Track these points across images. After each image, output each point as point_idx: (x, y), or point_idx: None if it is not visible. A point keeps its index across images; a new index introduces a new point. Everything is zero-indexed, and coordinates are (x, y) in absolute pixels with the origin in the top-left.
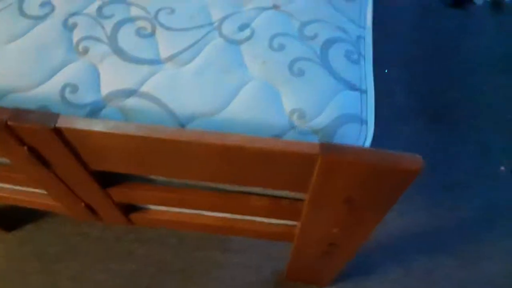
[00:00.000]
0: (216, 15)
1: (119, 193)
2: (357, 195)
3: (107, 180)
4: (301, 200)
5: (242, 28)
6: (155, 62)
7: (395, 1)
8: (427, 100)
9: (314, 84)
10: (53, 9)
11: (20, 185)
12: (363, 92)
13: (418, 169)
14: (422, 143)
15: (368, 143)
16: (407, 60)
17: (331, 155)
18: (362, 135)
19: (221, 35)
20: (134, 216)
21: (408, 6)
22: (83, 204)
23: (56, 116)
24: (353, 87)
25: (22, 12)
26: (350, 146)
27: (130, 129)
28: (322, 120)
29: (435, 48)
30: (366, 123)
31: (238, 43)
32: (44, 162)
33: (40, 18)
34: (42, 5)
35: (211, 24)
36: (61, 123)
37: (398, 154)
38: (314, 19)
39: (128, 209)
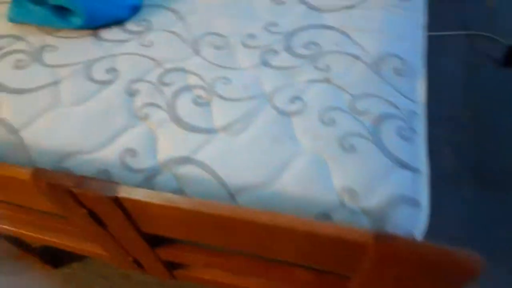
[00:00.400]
0: (268, 87)
1: (166, 253)
2: (410, 282)
3: (156, 240)
4: (347, 277)
5: (293, 100)
6: (210, 131)
7: (444, 60)
8: (478, 164)
9: (365, 161)
10: (117, 75)
11: (73, 236)
12: (416, 171)
13: (477, 270)
14: (475, 213)
15: (422, 227)
16: (456, 121)
17: (384, 246)
18: (416, 219)
19: (273, 106)
20: (178, 272)
21: (457, 65)
22: (131, 258)
23: (116, 185)
24: (405, 166)
25: (89, 77)
26: (405, 238)
27: (184, 203)
28: (373, 200)
29: (486, 109)
30: (419, 205)
31: (289, 115)
32: (100, 223)
33: (105, 83)
34: (108, 71)
35: (263, 95)
36: (121, 193)
37: (456, 251)
38: (366, 93)
39: (173, 265)
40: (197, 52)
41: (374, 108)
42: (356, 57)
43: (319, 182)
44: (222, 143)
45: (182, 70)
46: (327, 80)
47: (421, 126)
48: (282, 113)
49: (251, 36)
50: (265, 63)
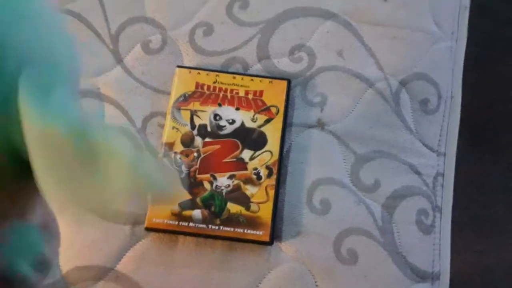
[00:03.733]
0: None
1: None
2: None
3: None
4: None
5: None
6: None
7: None
8: None
9: (370, 280)
10: None
11: None
12: (435, 279)
13: None
14: None
15: None
16: None
17: None
18: None
19: None
20: None
21: None
22: None
23: None
24: (423, 277)
25: None
26: None
27: None
28: None
29: None
30: None
31: None
32: None
33: None
34: None
35: None
36: None
37: None
38: (374, 150)
39: None
40: None
41: (387, 177)
42: (360, 77)
43: None
44: None
45: None
46: (319, 124)
47: (449, 197)
48: None
49: None
50: None
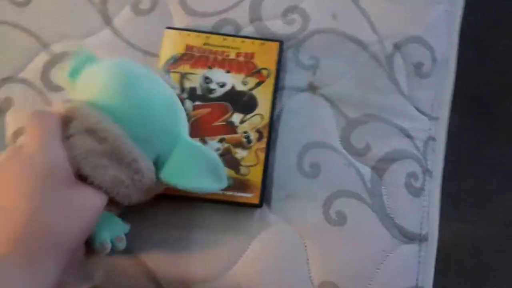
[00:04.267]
0: None
1: None
2: None
3: None
4: None
5: None
6: None
7: None
8: None
9: (358, 241)
10: None
11: None
12: (423, 240)
13: None
14: None
15: None
16: None
17: None
18: None
19: None
20: None
21: None
22: None
23: None
24: (410, 238)
25: None
26: None
27: None
28: None
29: None
30: None
31: None
32: None
33: None
34: None
35: None
36: None
37: None
38: (366, 114)
39: None
40: None
41: (378, 141)
42: (354, 40)
43: (290, 270)
44: None
45: None
46: (311, 87)
47: (439, 162)
48: None
49: None
50: None
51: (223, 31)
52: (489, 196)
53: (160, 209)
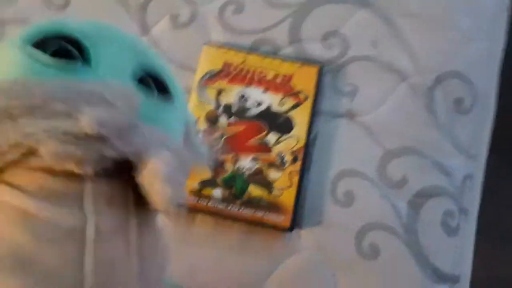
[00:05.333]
0: None
1: None
2: None
3: None
4: None
5: None
6: None
7: None
8: None
9: (389, 278)
10: None
11: None
12: (455, 282)
13: None
14: None
15: None
16: None
17: None
18: None
19: None
20: None
21: None
22: None
23: None
24: (443, 278)
25: None
26: None
27: None
28: None
29: None
30: None
31: None
32: None
33: None
34: None
35: None
36: None
37: None
38: (405, 146)
39: None
40: None
41: (415, 175)
42: (394, 70)
43: None
44: None
45: None
46: (348, 114)
47: (476, 201)
48: None
49: None
50: None
51: (261, 50)
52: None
53: (191, 227)
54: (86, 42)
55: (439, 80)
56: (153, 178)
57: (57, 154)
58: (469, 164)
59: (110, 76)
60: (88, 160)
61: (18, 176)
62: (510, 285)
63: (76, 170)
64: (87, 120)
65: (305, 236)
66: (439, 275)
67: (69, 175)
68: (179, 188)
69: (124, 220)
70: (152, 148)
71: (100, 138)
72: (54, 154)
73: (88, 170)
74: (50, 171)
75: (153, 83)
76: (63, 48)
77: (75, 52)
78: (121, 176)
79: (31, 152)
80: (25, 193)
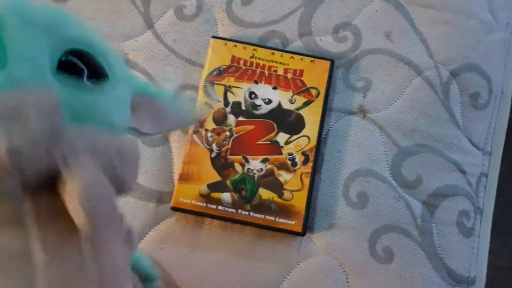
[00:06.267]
0: None
1: None
2: None
3: None
4: None
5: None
6: None
7: None
8: None
9: (404, 281)
10: None
11: None
12: (470, 284)
13: None
14: None
15: None
16: None
17: None
18: None
19: None
20: None
21: None
22: None
23: None
24: (458, 281)
25: None
26: None
27: None
28: None
29: None
30: None
31: None
32: None
33: None
34: None
35: None
36: None
37: None
38: (418, 144)
39: None
40: None
41: (430, 174)
42: (409, 63)
43: None
44: None
45: None
46: (361, 111)
47: (491, 200)
48: None
49: None
50: None
51: (270, 44)
52: None
53: (202, 231)
54: None
55: (455, 74)
56: (70, 195)
57: None
58: (485, 162)
59: (23, 72)
60: (11, 187)
61: None
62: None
63: (3, 197)
64: None
65: (317, 240)
66: (454, 278)
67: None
68: (102, 204)
69: (72, 231)
70: (77, 155)
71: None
72: None
73: (17, 191)
74: None
75: (81, 61)
76: None
77: None
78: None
79: None
80: None
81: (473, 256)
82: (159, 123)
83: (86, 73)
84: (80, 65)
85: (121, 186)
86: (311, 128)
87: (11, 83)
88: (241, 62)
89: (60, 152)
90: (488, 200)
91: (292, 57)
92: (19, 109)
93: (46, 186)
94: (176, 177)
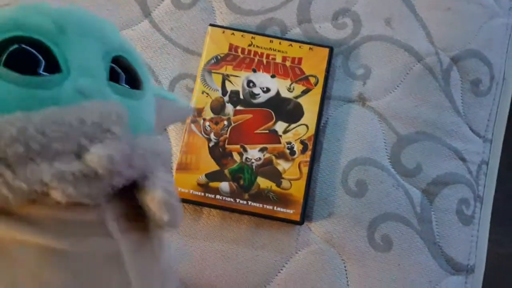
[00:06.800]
0: None
1: None
2: None
3: None
4: None
5: None
6: None
7: None
8: None
9: (403, 270)
10: None
11: None
12: (469, 272)
13: None
14: None
15: None
16: None
17: None
18: None
19: None
20: None
21: None
22: None
23: None
24: (458, 269)
25: None
26: None
27: None
28: None
29: None
30: None
31: None
32: None
33: None
34: None
35: None
36: None
37: None
38: (417, 131)
39: None
40: None
41: (430, 162)
42: (409, 50)
43: None
44: None
45: None
46: (360, 99)
47: (491, 188)
48: None
49: None
50: None
51: (269, 31)
52: None
53: (200, 220)
54: (48, 39)
55: (455, 60)
56: (155, 203)
57: (69, 196)
58: (486, 150)
59: (88, 84)
60: (102, 195)
61: (33, 214)
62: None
63: (91, 203)
64: (96, 160)
65: (316, 228)
66: (454, 266)
67: (85, 205)
68: (177, 205)
69: (145, 232)
70: (151, 166)
71: (110, 173)
72: (67, 197)
73: (102, 200)
74: (65, 205)
75: (121, 69)
76: (17, 51)
77: (35, 54)
78: (125, 194)
79: (42, 194)
80: (45, 229)
81: (473, 244)
82: (163, 121)
83: (124, 79)
84: (120, 72)
85: None
86: (309, 117)
87: (79, 94)
88: (239, 50)
89: (138, 161)
90: (489, 188)
91: (290, 44)
92: (106, 126)
93: (115, 194)
94: (174, 166)
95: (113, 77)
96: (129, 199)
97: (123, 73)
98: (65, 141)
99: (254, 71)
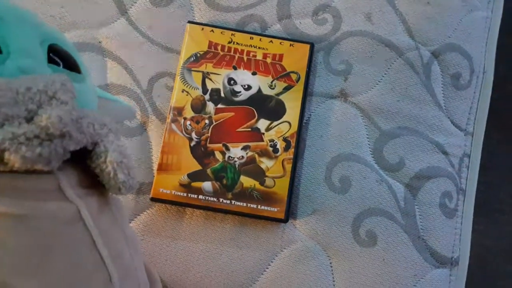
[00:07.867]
0: None
1: None
2: None
3: None
4: None
5: None
6: None
7: None
8: None
9: (388, 264)
10: None
11: None
12: (454, 264)
13: None
14: None
15: None
16: None
17: None
18: None
19: None
20: None
21: None
22: None
23: None
24: (442, 262)
25: None
26: None
27: None
28: None
29: None
30: None
31: None
32: None
33: None
34: None
35: None
36: None
37: None
38: (399, 126)
39: None
40: None
41: (412, 156)
42: (389, 45)
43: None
44: None
45: None
46: (342, 95)
47: (474, 181)
48: None
49: None
50: None
51: (249, 28)
52: (498, 206)
53: (183, 221)
54: None
55: (436, 54)
56: (108, 163)
57: (24, 158)
58: (467, 143)
59: (28, 62)
60: (55, 157)
61: None
62: (502, 254)
63: (45, 168)
64: (46, 120)
65: (301, 226)
66: (438, 259)
67: (40, 171)
68: (130, 170)
69: (102, 199)
70: (100, 133)
71: (62, 135)
72: (22, 159)
73: (55, 165)
74: (21, 172)
75: (55, 55)
76: None
77: None
78: (79, 164)
79: None
80: (4, 197)
81: (456, 236)
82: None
83: (61, 65)
84: (56, 59)
85: None
86: (292, 114)
87: (20, 71)
88: (219, 47)
89: (86, 127)
90: (471, 181)
91: (271, 41)
92: (53, 92)
93: (67, 161)
94: (155, 167)
95: (51, 63)
96: (83, 169)
97: (60, 61)
98: (13, 106)
99: (235, 68)
